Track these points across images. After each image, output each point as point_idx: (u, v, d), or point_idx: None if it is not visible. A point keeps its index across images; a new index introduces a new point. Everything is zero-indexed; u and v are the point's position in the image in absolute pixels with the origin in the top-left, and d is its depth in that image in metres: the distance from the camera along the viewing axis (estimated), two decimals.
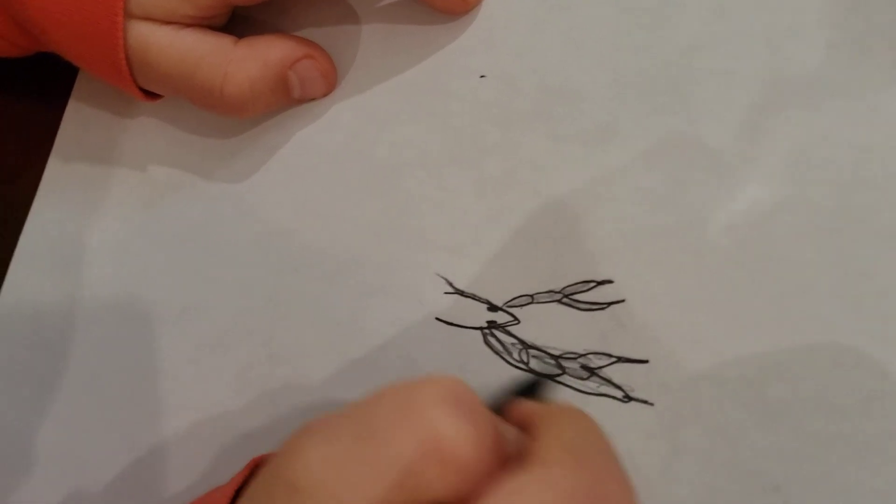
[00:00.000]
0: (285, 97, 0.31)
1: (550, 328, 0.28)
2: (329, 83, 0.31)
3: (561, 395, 0.27)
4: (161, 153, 0.32)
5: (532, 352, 0.28)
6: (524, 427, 0.20)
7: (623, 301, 0.27)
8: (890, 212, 0.26)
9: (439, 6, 0.30)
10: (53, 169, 0.33)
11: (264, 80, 0.30)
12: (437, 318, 0.29)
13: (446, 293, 0.29)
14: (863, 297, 0.26)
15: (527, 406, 0.21)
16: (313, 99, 0.31)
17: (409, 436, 0.18)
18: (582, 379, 0.27)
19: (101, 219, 0.32)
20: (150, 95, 0.31)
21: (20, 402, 0.31)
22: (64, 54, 0.30)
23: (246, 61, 0.29)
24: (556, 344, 0.28)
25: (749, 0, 0.28)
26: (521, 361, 0.28)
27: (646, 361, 0.27)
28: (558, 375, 0.28)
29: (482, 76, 0.30)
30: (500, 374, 0.28)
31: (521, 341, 0.28)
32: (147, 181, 0.32)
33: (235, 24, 0.31)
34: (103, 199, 0.32)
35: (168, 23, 0.29)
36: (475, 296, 0.29)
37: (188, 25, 0.29)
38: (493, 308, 0.28)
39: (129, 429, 0.30)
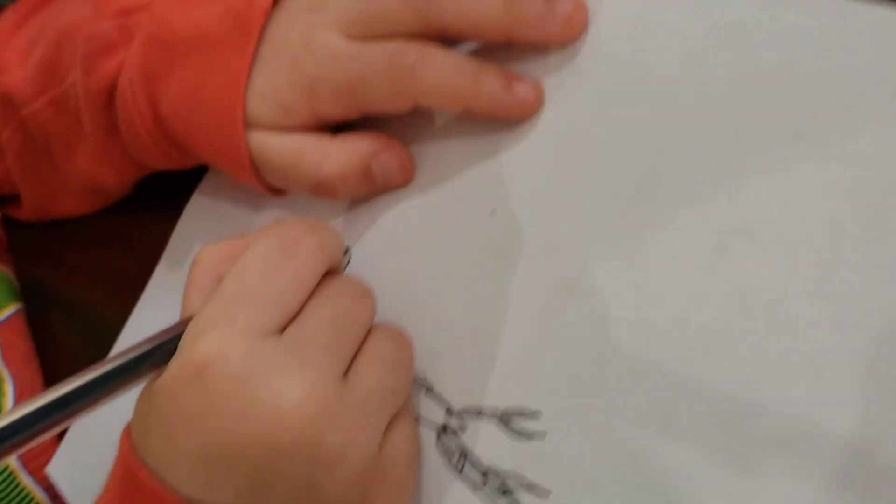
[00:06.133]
0: (370, 183, 0.37)
1: (486, 442, 0.32)
2: (406, 174, 0.37)
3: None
4: None
5: (469, 460, 0.32)
6: None
7: (544, 436, 0.31)
8: None
9: (501, 116, 0.34)
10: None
11: (351, 167, 0.37)
12: None
13: (426, 389, 0.34)
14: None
15: None
16: (395, 187, 0.38)
17: None
18: (497, 496, 0.31)
19: None
20: (276, 191, 0.40)
21: None
22: (207, 163, 0.40)
23: (337, 151, 0.37)
24: (488, 458, 0.32)
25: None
26: (457, 468, 0.33)
27: (549, 492, 0.30)
28: (481, 488, 0.32)
29: (492, 212, 0.34)
30: (438, 477, 0.33)
31: (462, 449, 0.33)
32: None
33: None
34: None
35: (276, 129, 0.37)
36: (441, 396, 0.34)
37: (293, 130, 0.37)
38: (450, 412, 0.33)
39: None
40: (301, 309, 0.31)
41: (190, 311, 0.32)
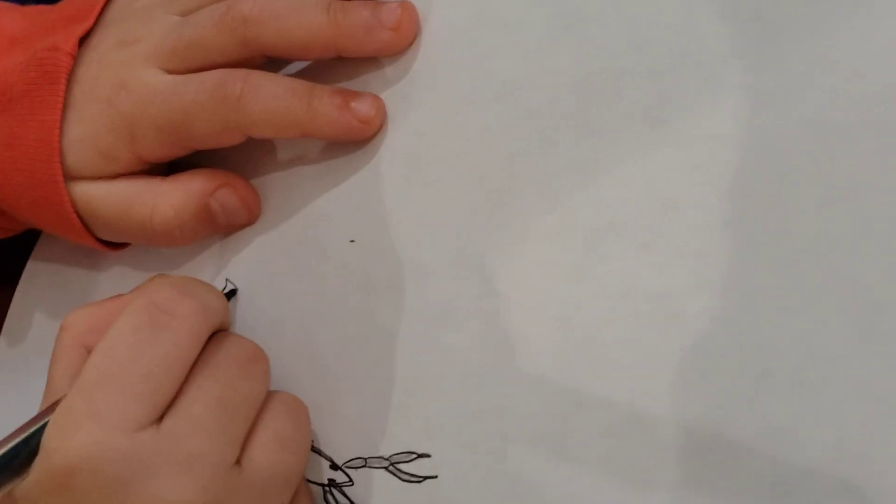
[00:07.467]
0: (211, 225, 0.34)
1: (377, 493, 0.30)
2: (251, 210, 0.34)
3: None
4: None
5: None
6: None
7: (436, 477, 0.29)
8: None
9: (342, 138, 0.32)
10: None
11: (187, 209, 0.33)
12: None
13: None
14: None
15: None
16: (240, 226, 0.34)
17: None
18: None
19: None
20: (114, 246, 0.36)
21: None
22: (34, 226, 0.36)
23: (170, 193, 0.33)
24: None
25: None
26: None
27: None
28: None
29: (352, 241, 0.32)
30: None
31: (352, 503, 0.30)
32: None
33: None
34: None
35: (101, 178, 0.34)
36: (321, 451, 0.31)
37: (120, 176, 0.34)
38: (334, 466, 0.31)
39: None
40: (182, 388, 0.27)
41: (55, 392, 0.28)
